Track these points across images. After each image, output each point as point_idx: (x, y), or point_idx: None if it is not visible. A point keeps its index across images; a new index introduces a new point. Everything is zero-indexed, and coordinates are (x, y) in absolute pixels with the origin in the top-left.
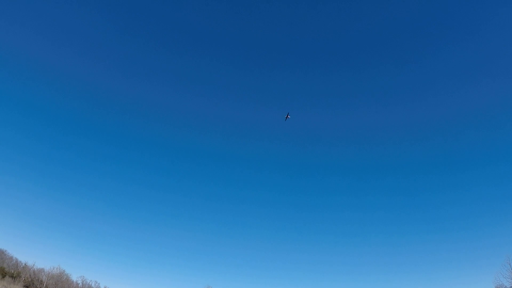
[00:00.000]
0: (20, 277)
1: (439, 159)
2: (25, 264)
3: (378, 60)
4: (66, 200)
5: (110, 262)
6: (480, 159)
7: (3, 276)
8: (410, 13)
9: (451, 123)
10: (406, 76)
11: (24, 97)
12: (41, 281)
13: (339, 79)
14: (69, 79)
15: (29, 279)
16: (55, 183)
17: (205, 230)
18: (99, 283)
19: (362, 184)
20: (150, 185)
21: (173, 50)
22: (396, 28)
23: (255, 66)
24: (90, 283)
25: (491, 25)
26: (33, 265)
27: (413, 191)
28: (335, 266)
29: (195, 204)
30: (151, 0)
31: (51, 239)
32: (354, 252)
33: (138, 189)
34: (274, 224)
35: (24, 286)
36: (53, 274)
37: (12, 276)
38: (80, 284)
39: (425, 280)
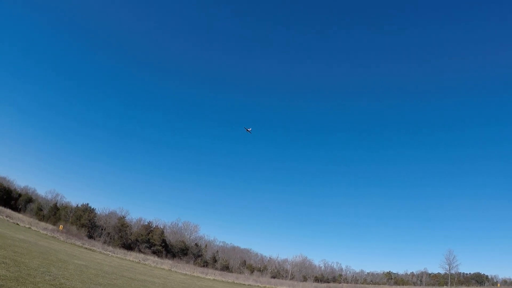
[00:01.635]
0: (267, 270)
1: None
2: (269, 257)
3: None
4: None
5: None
6: None
7: (252, 271)
8: None
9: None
10: None
11: None
12: (286, 270)
13: None
14: None
15: (275, 270)
16: None
17: None
18: (340, 263)
19: None
20: None
21: None
22: None
23: None
24: (332, 264)
25: None
26: (277, 257)
27: None
28: None
29: None
30: None
31: (293, 230)
32: None
33: None
34: None
35: (271, 277)
36: (296, 262)
37: (259, 270)
38: (323, 267)
39: None
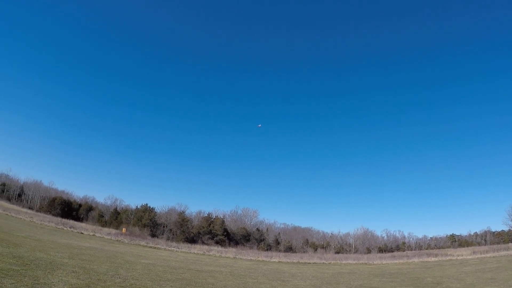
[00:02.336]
0: (330, 246)
1: None
2: (331, 233)
3: None
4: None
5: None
6: None
7: (315, 249)
8: None
9: None
10: None
11: None
12: (349, 244)
13: None
14: None
15: (338, 246)
16: None
17: None
18: (402, 231)
19: None
20: None
21: None
22: None
23: None
24: (394, 233)
25: None
26: (339, 232)
27: None
28: None
29: None
30: None
31: (352, 204)
32: None
33: None
34: None
35: (335, 252)
36: (358, 234)
37: (322, 247)
38: (385, 237)
39: None
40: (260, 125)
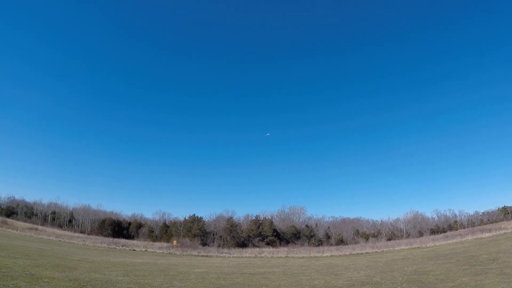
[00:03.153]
0: (381, 234)
1: None
2: (381, 221)
3: None
4: None
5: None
6: None
7: (366, 239)
8: None
9: None
10: None
11: None
12: (400, 229)
13: None
14: None
15: (389, 232)
16: None
17: None
18: (452, 210)
19: None
20: None
21: None
22: None
23: None
24: (445, 213)
25: None
26: (388, 218)
27: None
28: None
29: None
30: None
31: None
32: None
33: None
34: None
35: (387, 240)
36: (408, 218)
37: (374, 236)
38: (436, 217)
39: None
40: (268, 134)
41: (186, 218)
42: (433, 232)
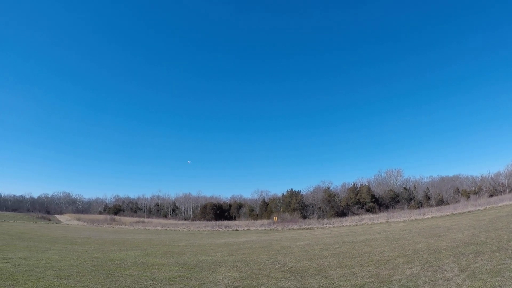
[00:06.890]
0: (482, 190)
1: None
2: (481, 177)
3: None
4: None
5: None
6: None
7: (467, 197)
8: None
9: None
10: None
11: None
12: (502, 184)
13: None
14: None
15: (491, 188)
16: None
17: None
18: None
19: None
20: None
21: None
22: None
23: None
24: None
25: None
26: (488, 173)
27: None
28: None
29: None
30: None
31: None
32: None
33: None
34: None
35: (489, 196)
36: (509, 171)
37: (475, 193)
38: None
39: None
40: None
41: (284, 193)
42: None
